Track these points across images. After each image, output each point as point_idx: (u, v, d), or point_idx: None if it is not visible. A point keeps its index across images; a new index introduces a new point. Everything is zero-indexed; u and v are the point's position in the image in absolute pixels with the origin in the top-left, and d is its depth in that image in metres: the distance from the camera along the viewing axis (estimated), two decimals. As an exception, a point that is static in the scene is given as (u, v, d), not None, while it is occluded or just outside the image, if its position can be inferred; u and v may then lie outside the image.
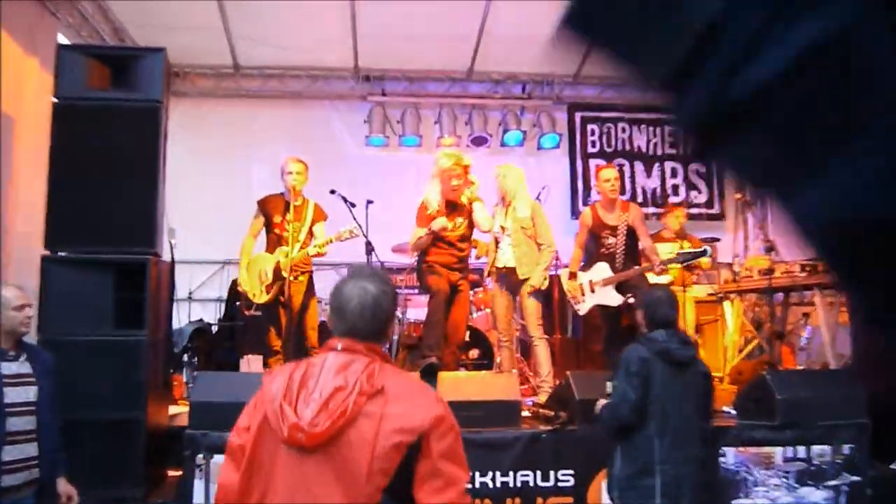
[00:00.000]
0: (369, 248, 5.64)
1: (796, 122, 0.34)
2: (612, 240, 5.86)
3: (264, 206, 5.71)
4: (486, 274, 5.77)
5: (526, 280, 5.44)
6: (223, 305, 8.00)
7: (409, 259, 6.57)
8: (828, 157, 0.33)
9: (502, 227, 5.61)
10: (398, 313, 6.35)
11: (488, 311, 6.93)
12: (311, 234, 5.72)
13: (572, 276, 5.98)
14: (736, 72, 0.34)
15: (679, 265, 5.88)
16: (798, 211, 0.36)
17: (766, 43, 0.34)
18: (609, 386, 3.47)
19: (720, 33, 0.33)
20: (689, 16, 0.33)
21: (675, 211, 7.25)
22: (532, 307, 5.49)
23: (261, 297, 5.57)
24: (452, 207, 5.56)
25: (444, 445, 1.77)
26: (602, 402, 3.54)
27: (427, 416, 1.77)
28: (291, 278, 5.44)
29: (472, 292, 7.10)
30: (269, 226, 5.70)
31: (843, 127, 0.33)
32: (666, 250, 6.22)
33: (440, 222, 5.36)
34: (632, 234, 5.87)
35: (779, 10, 0.33)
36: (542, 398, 5.29)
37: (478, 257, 5.74)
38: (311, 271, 5.83)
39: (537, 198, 6.15)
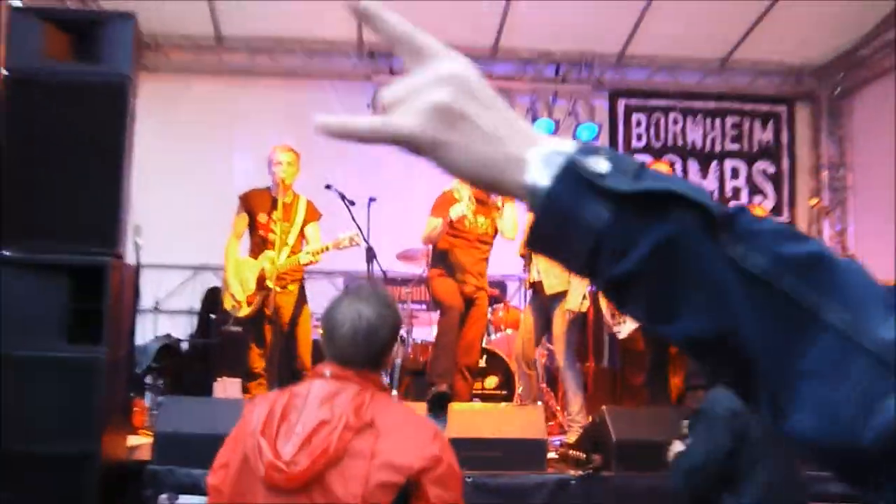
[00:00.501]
0: (370, 255, 5.64)
1: (653, 292, 0.70)
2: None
3: (247, 203, 5.72)
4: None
5: (555, 296, 5.44)
6: (196, 318, 8.01)
7: (418, 268, 6.55)
8: (674, 312, 0.70)
9: None
10: (402, 333, 6.32)
11: (509, 331, 6.90)
12: (302, 236, 5.72)
13: (611, 292, 5.94)
14: (614, 266, 0.70)
15: None
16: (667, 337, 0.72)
17: (630, 248, 0.69)
18: (685, 426, 3.19)
19: (602, 249, 0.70)
20: (582, 242, 0.70)
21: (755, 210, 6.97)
22: (563, 329, 5.49)
23: (242, 310, 5.57)
24: (480, 203, 5.60)
25: (442, 491, 1.85)
26: (676, 446, 3.28)
27: (421, 454, 1.85)
28: (278, 288, 5.43)
29: (490, 309, 7.14)
30: (252, 226, 5.71)
31: (674, 300, 0.70)
32: None
33: (458, 210, 5.38)
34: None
35: (635, 231, 0.70)
36: (572, 438, 5.26)
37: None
38: (303, 279, 5.83)
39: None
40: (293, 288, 5.64)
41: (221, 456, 2.00)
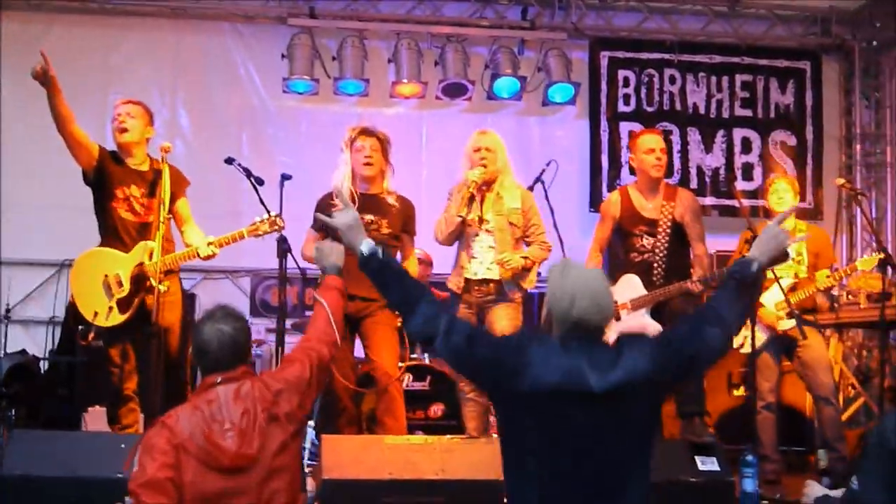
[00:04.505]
0: (284, 249, 5.63)
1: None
2: (648, 240, 5.96)
3: (106, 159, 5.68)
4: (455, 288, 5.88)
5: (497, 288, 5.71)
6: (59, 330, 7.94)
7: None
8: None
9: (480, 219, 5.78)
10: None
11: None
12: (173, 215, 5.70)
13: (588, 294, 6.03)
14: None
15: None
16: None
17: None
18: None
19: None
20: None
21: (781, 182, 6.58)
22: (506, 328, 5.63)
23: (110, 318, 5.53)
24: (369, 201, 5.80)
25: (295, 384, 3.36)
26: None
27: (287, 393, 3.30)
28: (163, 287, 5.40)
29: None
30: (104, 200, 5.67)
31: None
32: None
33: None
34: (679, 234, 5.97)
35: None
36: None
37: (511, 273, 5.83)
38: (178, 272, 5.83)
39: (539, 178, 6.22)
40: (169, 284, 5.57)
41: (160, 458, 3.07)
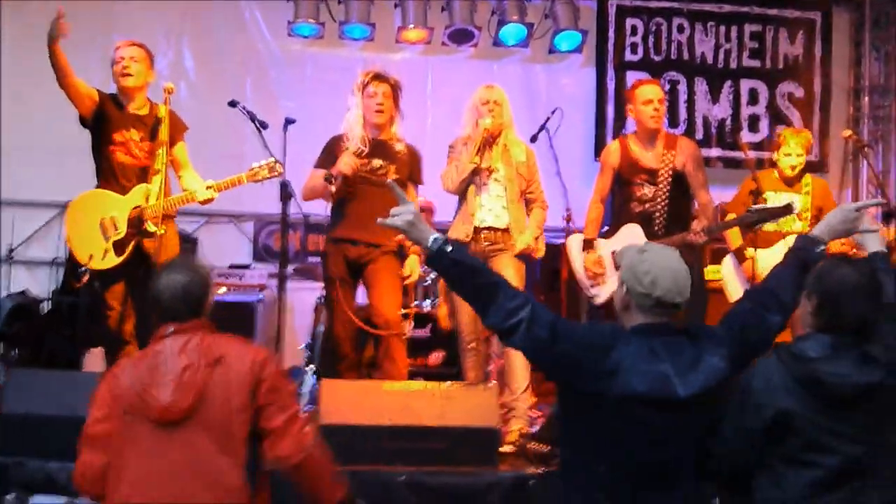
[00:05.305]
0: (286, 194, 5.63)
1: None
2: (649, 189, 5.94)
3: (105, 104, 5.63)
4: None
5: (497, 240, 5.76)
6: (61, 271, 7.95)
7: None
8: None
9: (489, 169, 5.76)
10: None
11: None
12: (171, 159, 5.65)
13: (588, 244, 6.02)
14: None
15: (749, 228, 5.89)
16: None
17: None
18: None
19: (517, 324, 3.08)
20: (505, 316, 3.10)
21: (794, 138, 6.40)
22: (511, 276, 5.63)
23: (105, 260, 5.52)
24: (378, 146, 5.81)
25: (270, 383, 3.21)
26: None
27: (252, 366, 3.20)
28: (163, 230, 5.39)
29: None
30: (101, 141, 5.62)
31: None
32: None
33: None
34: (680, 184, 5.94)
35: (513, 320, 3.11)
36: (517, 425, 5.39)
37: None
38: (175, 215, 5.80)
39: (543, 126, 6.17)
40: (165, 229, 5.54)
41: (97, 411, 3.19)
